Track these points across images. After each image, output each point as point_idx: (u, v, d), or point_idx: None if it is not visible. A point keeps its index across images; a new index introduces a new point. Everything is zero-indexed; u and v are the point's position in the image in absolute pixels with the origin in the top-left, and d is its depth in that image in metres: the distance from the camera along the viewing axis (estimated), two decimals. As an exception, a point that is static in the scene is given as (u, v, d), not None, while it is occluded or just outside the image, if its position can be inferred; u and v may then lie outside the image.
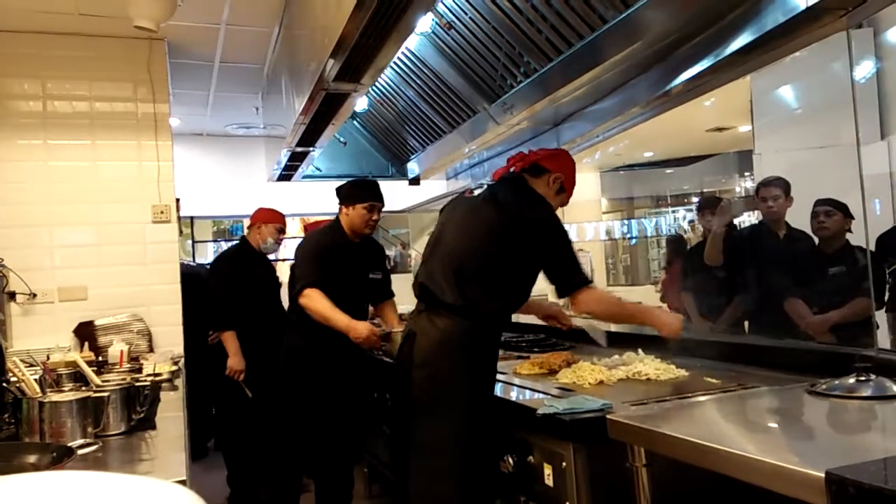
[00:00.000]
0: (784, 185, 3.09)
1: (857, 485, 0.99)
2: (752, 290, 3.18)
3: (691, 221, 4.95)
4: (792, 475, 1.13)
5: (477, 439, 2.20)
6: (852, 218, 2.70)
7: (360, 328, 3.08)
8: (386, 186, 3.64)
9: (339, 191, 3.40)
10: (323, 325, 3.17)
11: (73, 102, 3.90)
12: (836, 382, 1.66)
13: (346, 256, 3.31)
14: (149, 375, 2.59)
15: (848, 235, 2.79)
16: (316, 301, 3.13)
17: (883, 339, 2.35)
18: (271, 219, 4.21)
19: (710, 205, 3.70)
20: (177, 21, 3.51)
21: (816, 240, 2.92)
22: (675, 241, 5.66)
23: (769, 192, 3.11)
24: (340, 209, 3.39)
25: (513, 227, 2.26)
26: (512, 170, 2.47)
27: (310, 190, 6.11)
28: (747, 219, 3.79)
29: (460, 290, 2.25)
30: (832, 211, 2.81)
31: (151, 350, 3.78)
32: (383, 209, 3.41)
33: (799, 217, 3.02)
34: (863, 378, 1.62)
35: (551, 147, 3.73)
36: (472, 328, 2.24)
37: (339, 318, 3.11)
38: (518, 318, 3.67)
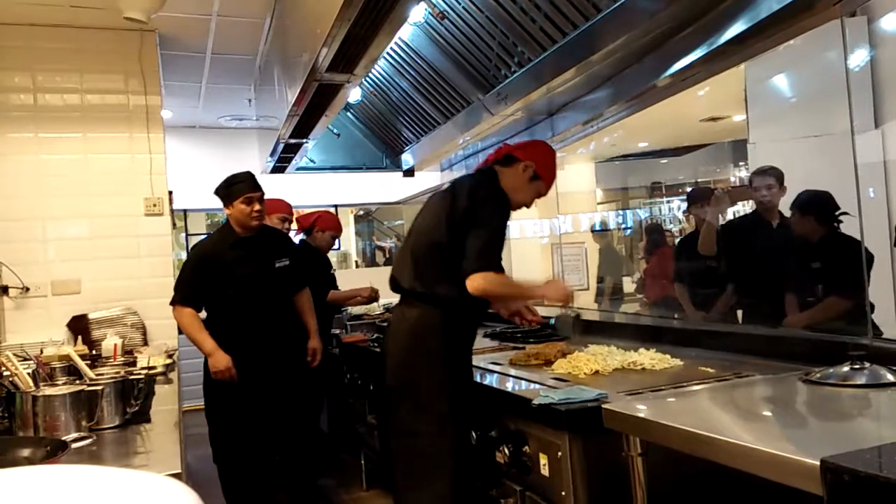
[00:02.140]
0: (778, 175, 3.09)
1: (852, 472, 0.99)
2: (746, 280, 3.18)
3: (685, 211, 4.95)
4: (787, 463, 1.13)
5: (460, 423, 2.25)
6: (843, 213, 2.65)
7: (220, 359, 3.18)
8: (380, 178, 3.64)
9: (216, 193, 3.36)
10: (235, 328, 3.25)
11: (64, 95, 3.87)
12: (831, 371, 1.67)
13: (240, 253, 3.29)
14: (143, 369, 2.59)
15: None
16: (185, 319, 3.26)
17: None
18: (274, 209, 4.21)
19: (700, 197, 3.71)
20: (168, 12, 3.49)
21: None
22: (655, 231, 5.68)
23: (763, 182, 3.11)
24: (225, 211, 3.37)
25: (459, 210, 2.30)
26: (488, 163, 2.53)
27: (304, 182, 6.09)
28: (741, 208, 3.79)
29: (420, 279, 2.35)
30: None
31: (146, 343, 3.78)
32: (265, 195, 3.35)
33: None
34: (857, 366, 1.63)
35: (547, 136, 3.75)
36: (438, 315, 2.31)
37: (206, 342, 3.22)
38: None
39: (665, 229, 5.61)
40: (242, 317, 3.28)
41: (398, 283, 2.43)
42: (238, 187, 3.26)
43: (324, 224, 4.33)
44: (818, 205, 2.71)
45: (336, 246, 7.77)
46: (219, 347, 3.20)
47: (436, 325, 2.31)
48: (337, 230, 4.39)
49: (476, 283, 2.22)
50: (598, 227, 4.74)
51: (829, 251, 2.69)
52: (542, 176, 2.47)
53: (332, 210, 7.34)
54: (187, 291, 3.28)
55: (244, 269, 3.29)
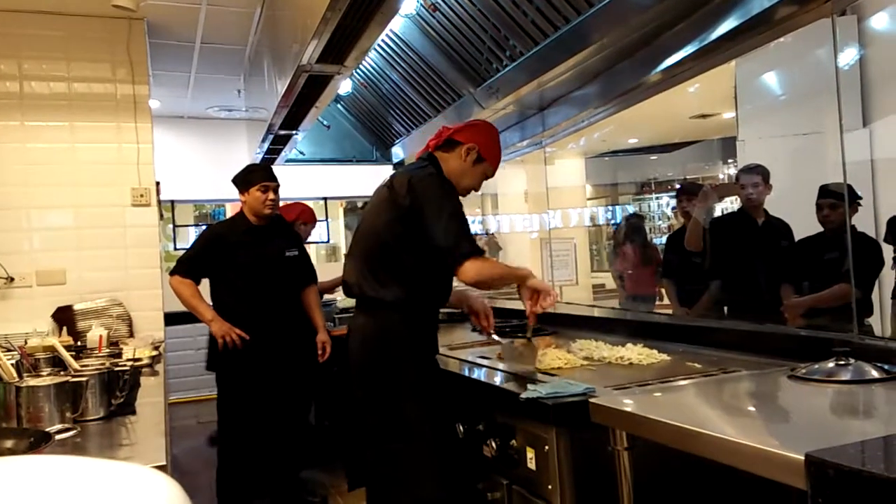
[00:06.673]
0: (764, 173, 3.11)
1: (836, 467, 1.00)
2: (730, 276, 3.21)
3: (674, 208, 5.00)
4: (772, 458, 1.14)
5: (436, 424, 2.21)
6: (860, 197, 2.65)
7: (220, 324, 3.31)
8: (370, 171, 3.65)
9: (234, 181, 3.53)
10: (239, 315, 3.35)
11: (51, 83, 3.83)
12: (816, 367, 1.68)
13: (252, 240, 3.44)
14: (128, 360, 2.56)
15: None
16: (184, 290, 3.37)
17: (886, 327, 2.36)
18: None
19: (688, 192, 3.72)
20: (157, 0, 3.45)
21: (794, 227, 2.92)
22: (631, 227, 5.75)
23: (749, 180, 3.13)
24: (240, 198, 3.52)
25: (402, 208, 2.21)
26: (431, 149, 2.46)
27: (293, 174, 6.06)
28: (730, 205, 3.82)
29: (370, 284, 2.27)
30: (836, 203, 2.74)
31: (131, 335, 3.75)
32: (279, 188, 3.52)
33: (780, 204, 3.04)
34: (842, 362, 1.64)
35: (538, 131, 3.75)
36: (391, 318, 2.24)
37: (206, 311, 3.37)
38: (504, 304, 3.68)
39: (639, 225, 5.68)
40: (246, 304, 3.37)
41: (350, 290, 2.35)
42: (255, 175, 3.46)
43: (307, 217, 4.50)
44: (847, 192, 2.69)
45: (325, 238, 7.79)
46: (217, 315, 3.32)
47: (391, 330, 2.24)
48: (314, 222, 4.61)
49: (469, 273, 2.14)
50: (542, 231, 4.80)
51: (844, 244, 2.69)
52: (487, 157, 2.38)
53: (321, 202, 7.33)
54: (190, 266, 3.43)
55: (246, 255, 3.40)
